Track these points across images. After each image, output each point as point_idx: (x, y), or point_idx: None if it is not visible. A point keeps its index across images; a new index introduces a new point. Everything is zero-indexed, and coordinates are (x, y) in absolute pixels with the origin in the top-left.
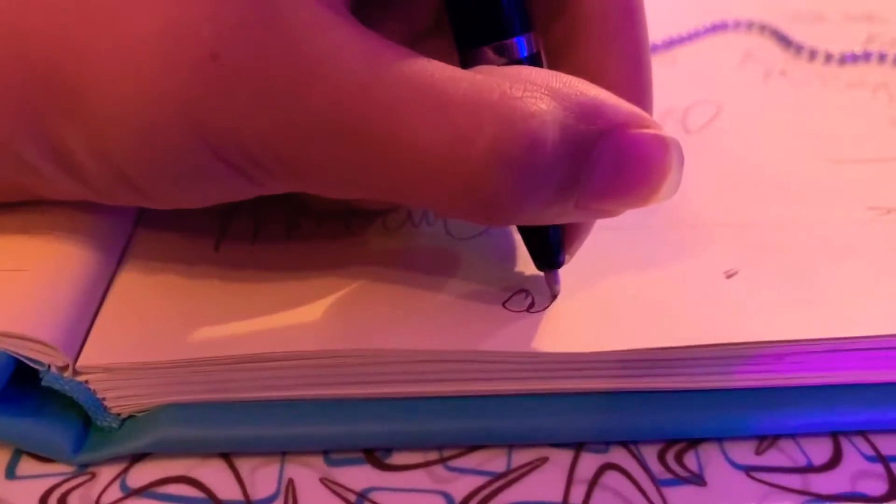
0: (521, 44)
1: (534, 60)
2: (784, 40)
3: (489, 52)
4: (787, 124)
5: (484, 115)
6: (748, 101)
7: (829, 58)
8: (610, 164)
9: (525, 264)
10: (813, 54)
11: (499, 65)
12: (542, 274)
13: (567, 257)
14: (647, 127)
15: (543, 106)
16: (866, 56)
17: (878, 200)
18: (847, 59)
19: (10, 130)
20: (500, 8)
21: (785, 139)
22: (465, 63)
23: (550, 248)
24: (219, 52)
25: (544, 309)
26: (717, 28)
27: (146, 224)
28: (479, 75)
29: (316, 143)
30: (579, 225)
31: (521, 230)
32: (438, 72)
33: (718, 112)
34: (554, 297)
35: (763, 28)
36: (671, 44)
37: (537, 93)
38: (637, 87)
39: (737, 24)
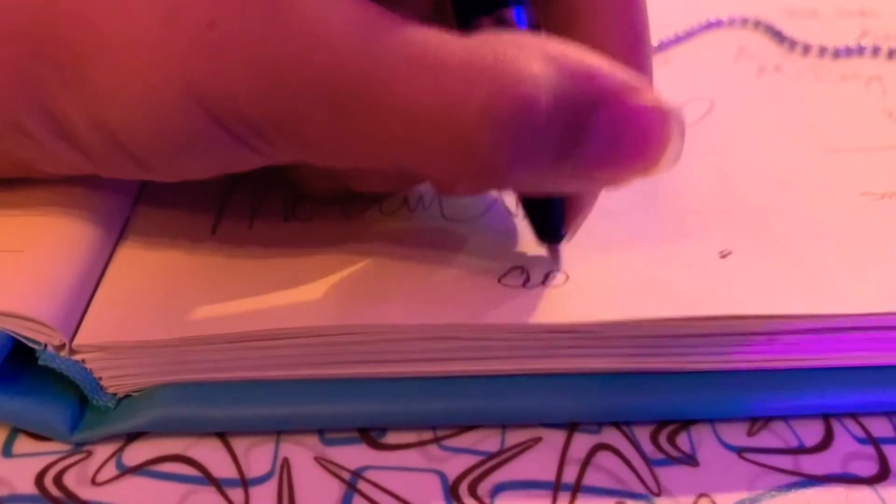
0: (518, 12)
1: (534, 28)
2: (778, 36)
3: (488, 22)
4: (781, 116)
5: (476, 77)
6: (742, 96)
7: (822, 52)
8: (607, 131)
9: (521, 243)
10: (807, 49)
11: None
12: (537, 252)
13: (569, 234)
14: (647, 94)
15: (536, 69)
16: (860, 50)
17: (871, 186)
18: (841, 52)
19: (12, 102)
20: None
21: (778, 130)
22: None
23: (552, 220)
24: (215, 20)
25: (541, 284)
26: (712, 26)
27: (144, 205)
28: (474, 40)
29: (312, 109)
30: (580, 201)
31: (524, 203)
32: (433, 37)
33: (712, 107)
34: (557, 271)
35: (757, 24)
36: (666, 45)
37: (531, 56)
38: (637, 63)
39: (731, 21)
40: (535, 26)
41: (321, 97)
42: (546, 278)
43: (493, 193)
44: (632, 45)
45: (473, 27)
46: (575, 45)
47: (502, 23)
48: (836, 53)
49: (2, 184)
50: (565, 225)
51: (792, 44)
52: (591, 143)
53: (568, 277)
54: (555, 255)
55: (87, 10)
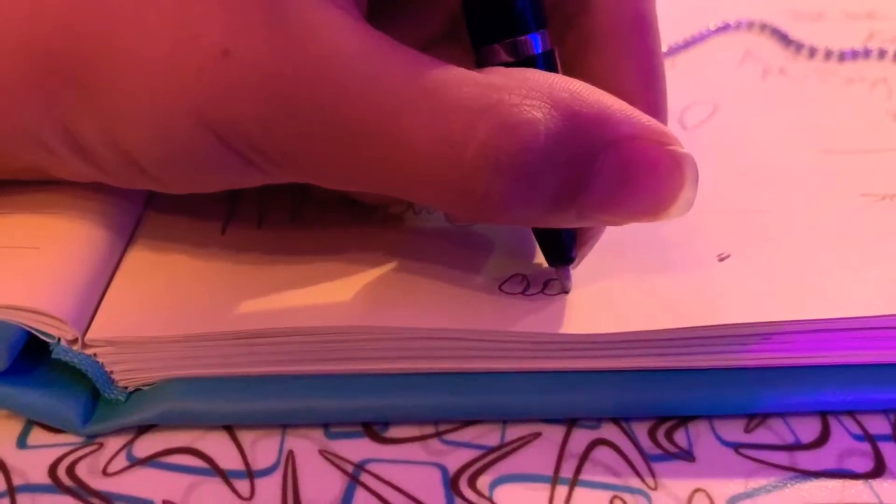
0: (535, 41)
1: (548, 58)
2: (784, 39)
3: (501, 51)
4: (783, 119)
5: (477, 119)
6: (745, 99)
7: (828, 55)
8: (614, 176)
9: (521, 250)
10: (813, 52)
11: (510, 64)
12: (537, 259)
13: (578, 258)
14: (661, 140)
15: (538, 114)
16: (866, 52)
17: (872, 188)
18: (847, 55)
19: (31, 118)
20: (512, 4)
21: (781, 132)
22: (479, 60)
23: (562, 245)
24: (229, 49)
25: (541, 291)
26: (720, 30)
27: (155, 206)
28: (483, 77)
29: (318, 139)
30: (591, 228)
31: (534, 228)
32: (440, 75)
33: (716, 110)
34: (565, 292)
35: (763, 27)
36: (675, 50)
37: (535, 100)
38: (650, 99)
39: (738, 25)
40: (549, 53)
41: (328, 127)
42: (545, 286)
43: None
44: (646, 78)
45: (487, 53)
46: (584, 84)
47: (516, 51)
48: (842, 56)
49: (20, 185)
50: (575, 248)
51: (798, 47)
52: (596, 187)
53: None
54: (565, 277)
55: (106, 32)
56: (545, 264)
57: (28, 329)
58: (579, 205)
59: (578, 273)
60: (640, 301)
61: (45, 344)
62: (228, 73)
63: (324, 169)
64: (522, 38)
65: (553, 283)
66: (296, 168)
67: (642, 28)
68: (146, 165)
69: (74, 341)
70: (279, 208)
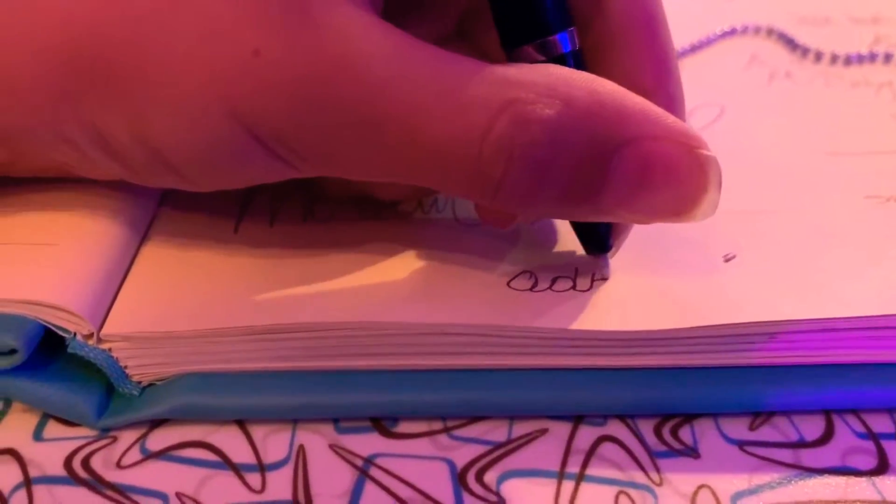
0: (563, 40)
1: (576, 56)
2: (790, 43)
3: (532, 52)
4: (788, 121)
5: (495, 115)
6: (752, 101)
7: (834, 59)
8: (631, 175)
9: (530, 247)
10: (819, 56)
11: (537, 61)
12: (545, 256)
13: (615, 247)
14: (686, 141)
15: (551, 112)
16: (872, 56)
17: (877, 190)
18: (852, 59)
19: (60, 117)
20: (541, 5)
21: (786, 134)
22: (510, 59)
23: (598, 234)
24: (260, 49)
25: (549, 288)
26: (726, 34)
27: (169, 205)
28: (502, 71)
29: (344, 135)
30: None
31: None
32: (460, 70)
33: (723, 112)
34: (604, 279)
35: (770, 32)
36: (682, 55)
37: (550, 98)
38: (668, 92)
39: (745, 29)
40: (577, 54)
41: (354, 123)
42: (553, 283)
43: None
44: (662, 73)
45: (517, 54)
46: (606, 82)
47: (545, 51)
48: (848, 60)
49: (38, 183)
50: (612, 237)
51: (804, 51)
52: (614, 185)
53: (574, 283)
54: (603, 265)
55: (135, 31)
56: (553, 262)
57: (45, 324)
58: (595, 201)
59: (584, 275)
60: (646, 300)
61: (61, 339)
62: (259, 71)
63: (349, 162)
64: (552, 38)
65: (560, 280)
66: (322, 162)
67: (655, 26)
68: (175, 162)
69: (90, 336)
70: (291, 207)
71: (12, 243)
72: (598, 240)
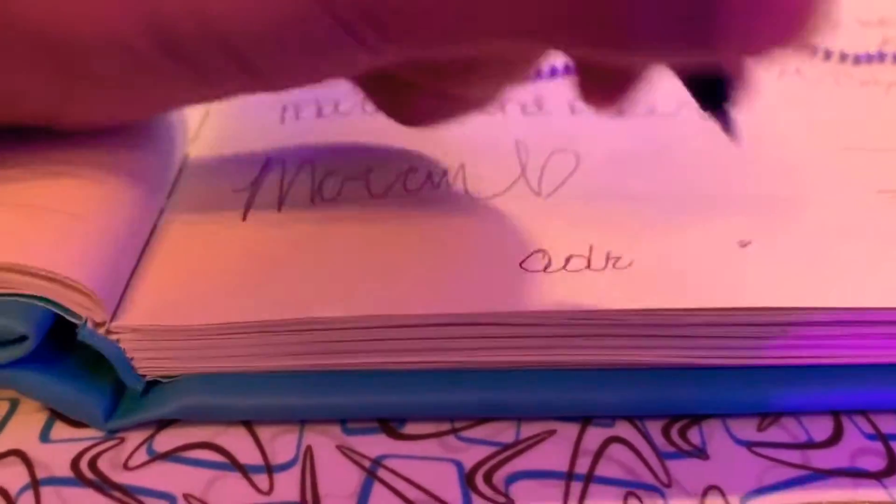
0: None
1: None
2: None
3: None
4: (801, 116)
5: None
6: (763, 95)
7: (843, 58)
8: None
9: (543, 224)
10: (828, 55)
11: None
12: (558, 236)
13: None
14: None
15: None
16: (881, 56)
17: (889, 185)
18: (861, 59)
19: (119, 23)
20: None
21: (797, 129)
22: None
23: (714, 83)
24: None
25: (563, 268)
26: None
27: (176, 199)
28: None
29: None
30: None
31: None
32: None
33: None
34: (736, 139)
35: None
36: None
37: None
38: None
39: None
40: None
41: None
42: (567, 262)
43: (519, 168)
44: None
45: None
46: None
47: None
48: (857, 59)
49: (63, 147)
50: (730, 87)
51: (813, 49)
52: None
53: (589, 262)
54: (727, 124)
55: None
56: (566, 239)
57: (55, 310)
58: (711, 28)
59: (599, 254)
60: (662, 281)
61: (69, 337)
62: None
63: (437, 19)
64: None
65: (575, 259)
66: (405, 28)
67: None
68: (244, 48)
69: (101, 324)
70: (298, 189)
71: (41, 208)
72: (715, 88)
